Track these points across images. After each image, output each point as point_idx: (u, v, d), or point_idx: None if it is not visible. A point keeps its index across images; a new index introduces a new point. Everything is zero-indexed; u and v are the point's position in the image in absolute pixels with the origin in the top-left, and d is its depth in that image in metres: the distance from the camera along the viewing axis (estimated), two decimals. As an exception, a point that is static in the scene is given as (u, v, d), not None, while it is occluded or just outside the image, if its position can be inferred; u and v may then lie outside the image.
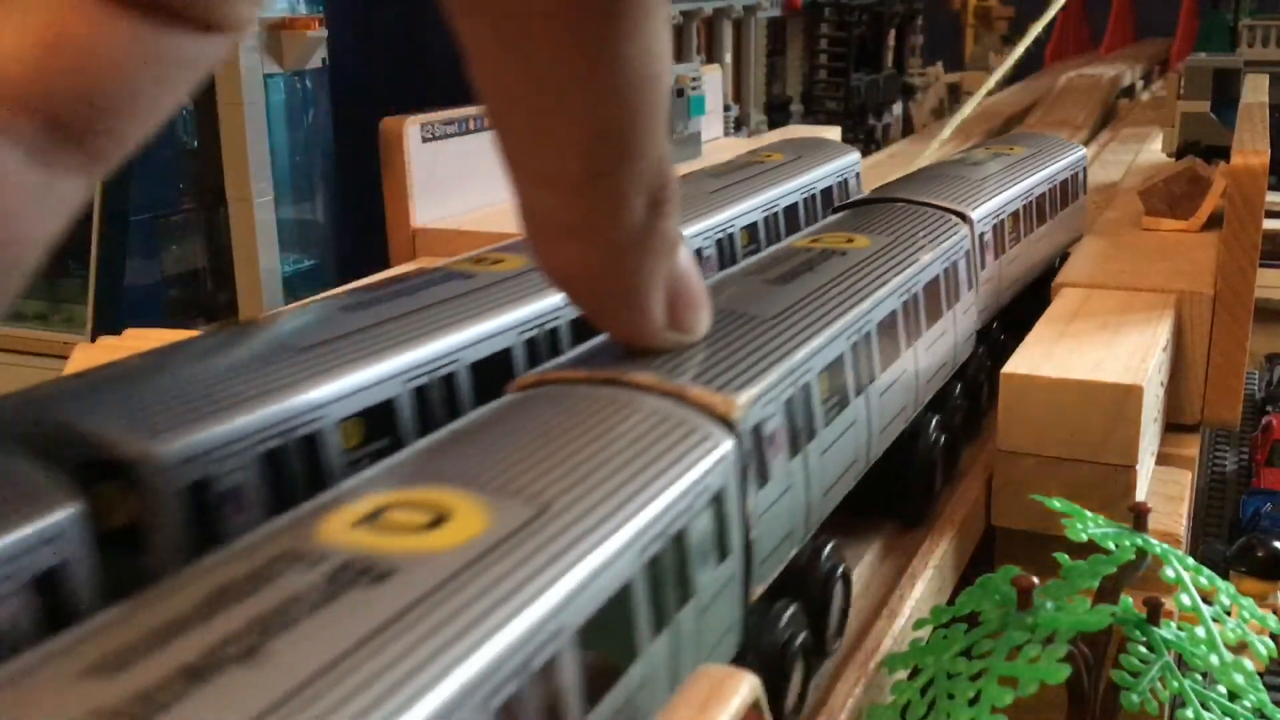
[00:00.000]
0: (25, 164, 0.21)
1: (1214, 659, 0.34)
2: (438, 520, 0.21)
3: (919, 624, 0.39)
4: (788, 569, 0.31)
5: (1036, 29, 1.30)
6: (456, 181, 0.81)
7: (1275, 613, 0.38)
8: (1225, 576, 0.39)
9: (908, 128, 1.91)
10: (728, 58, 1.63)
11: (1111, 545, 0.36)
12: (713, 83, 1.20)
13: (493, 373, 0.34)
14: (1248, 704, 0.34)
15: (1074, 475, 0.45)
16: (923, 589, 0.41)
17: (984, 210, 0.51)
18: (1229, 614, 0.36)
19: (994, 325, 0.55)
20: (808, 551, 0.33)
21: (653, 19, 0.25)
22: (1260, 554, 0.57)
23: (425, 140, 0.78)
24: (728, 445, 0.27)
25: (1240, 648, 0.35)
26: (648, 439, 0.26)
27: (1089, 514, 0.37)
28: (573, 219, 0.27)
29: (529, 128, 0.26)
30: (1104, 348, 0.49)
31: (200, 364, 0.29)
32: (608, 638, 0.22)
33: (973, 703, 0.32)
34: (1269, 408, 0.90)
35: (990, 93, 1.92)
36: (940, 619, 0.36)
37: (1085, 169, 0.70)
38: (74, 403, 0.26)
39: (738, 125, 1.64)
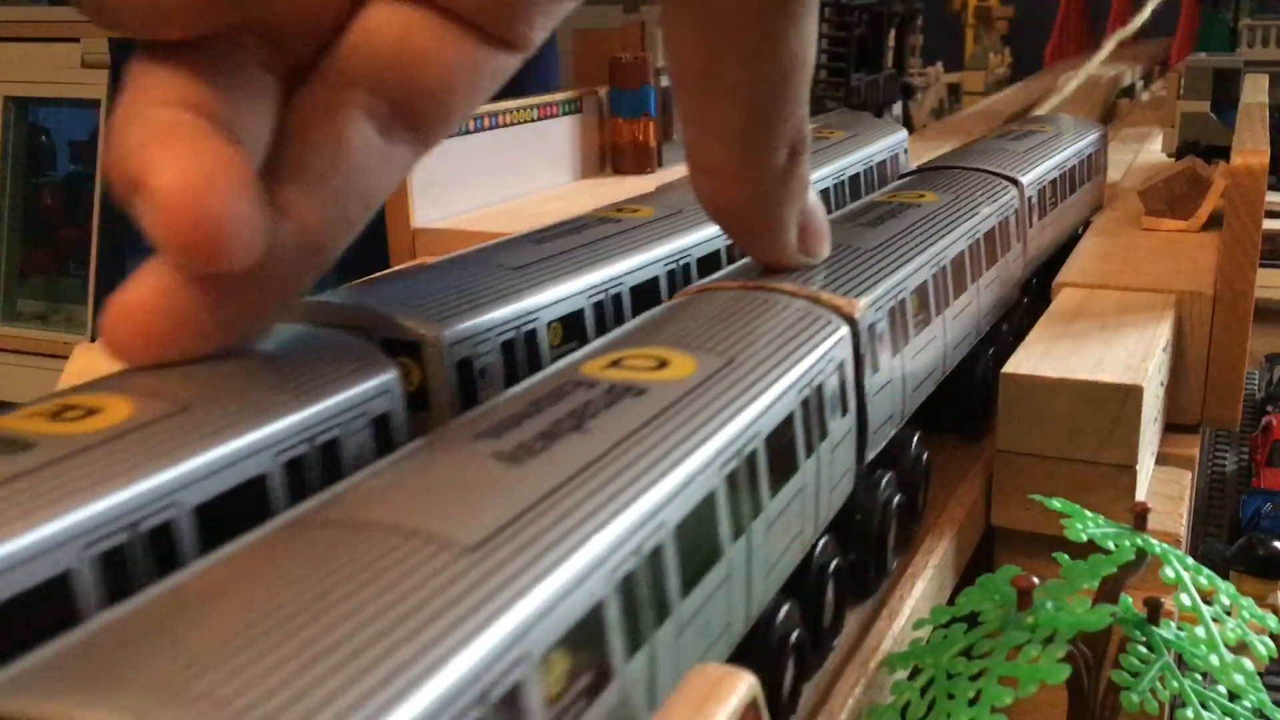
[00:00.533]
0: (378, 135, 0.30)
1: (1214, 659, 0.34)
2: (662, 364, 0.29)
3: (919, 624, 0.39)
4: (887, 449, 0.40)
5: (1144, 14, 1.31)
6: (456, 181, 0.81)
7: (1275, 613, 0.38)
8: (1225, 576, 0.39)
9: (908, 127, 1.91)
10: (728, 58, 1.63)
11: (1111, 545, 0.36)
12: (713, 83, 1.20)
13: (646, 295, 0.43)
14: (1248, 704, 0.34)
15: (1074, 475, 0.45)
16: (923, 589, 0.41)
17: (1031, 176, 0.59)
18: (1229, 614, 0.36)
19: (1033, 280, 0.62)
20: (900, 438, 0.42)
21: (812, 14, 0.32)
22: (1260, 554, 0.57)
23: (425, 140, 0.78)
24: (849, 331, 0.36)
25: (1240, 648, 0.35)
26: (794, 323, 0.34)
27: (1089, 514, 0.37)
28: (732, 163, 0.34)
29: (707, 91, 0.33)
30: (1104, 348, 0.49)
31: (451, 276, 0.38)
32: (781, 450, 0.30)
33: (973, 703, 0.32)
34: (1269, 408, 0.90)
35: (987, 93, 1.92)
36: (940, 619, 0.36)
37: (1106, 146, 0.77)
38: (376, 300, 0.35)
39: (738, 125, 1.64)
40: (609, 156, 1.02)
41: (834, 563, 0.36)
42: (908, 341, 0.41)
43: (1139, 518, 0.37)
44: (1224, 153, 0.73)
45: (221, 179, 0.25)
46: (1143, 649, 0.35)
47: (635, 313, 0.40)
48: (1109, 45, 1.34)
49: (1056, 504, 0.37)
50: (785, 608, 0.33)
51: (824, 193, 0.62)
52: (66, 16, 1.35)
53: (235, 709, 0.15)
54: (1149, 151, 1.02)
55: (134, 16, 0.26)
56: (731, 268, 0.41)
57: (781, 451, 0.30)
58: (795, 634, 0.33)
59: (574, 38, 1.09)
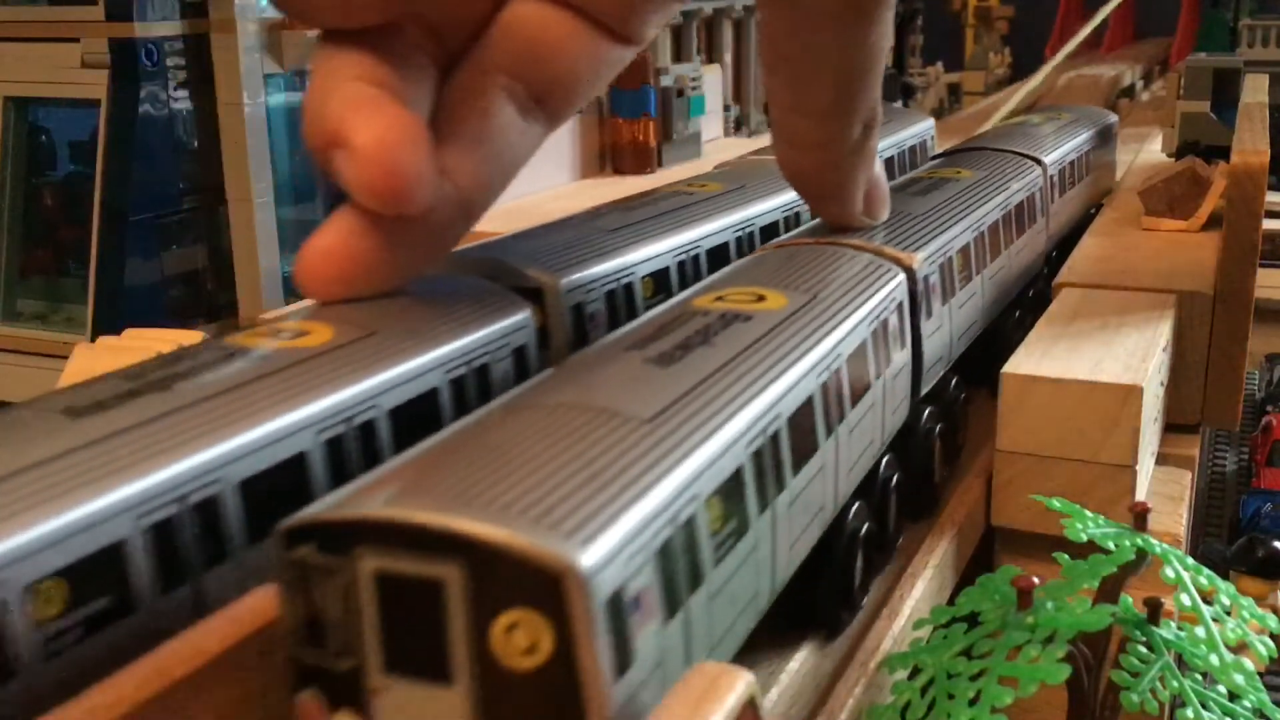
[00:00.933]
0: (516, 113, 0.36)
1: (1214, 659, 0.34)
2: (760, 298, 0.35)
3: (919, 624, 0.39)
4: (934, 390, 0.45)
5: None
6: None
7: (1275, 613, 0.38)
8: (1225, 576, 0.39)
9: (908, 128, 1.90)
10: (728, 58, 1.63)
11: (1111, 545, 0.36)
12: (713, 83, 1.20)
13: (718, 256, 0.48)
14: (1248, 704, 0.34)
15: (1074, 475, 0.45)
16: (923, 589, 0.41)
17: (1053, 157, 0.65)
18: (1229, 614, 0.36)
19: (1053, 253, 0.67)
20: (944, 380, 0.47)
21: (889, 13, 0.37)
22: (1260, 554, 0.57)
23: (425, 140, 0.78)
24: (907, 279, 0.41)
25: (1240, 648, 0.35)
26: (861, 270, 0.40)
27: (1089, 514, 0.37)
28: (815, 137, 0.40)
29: (798, 78, 0.39)
30: (1104, 348, 0.49)
31: (560, 236, 0.43)
32: (857, 370, 0.36)
33: (973, 703, 0.32)
34: (1269, 408, 0.90)
35: (986, 93, 1.92)
36: (940, 619, 0.36)
37: (1117, 132, 0.84)
38: (503, 254, 0.40)
39: (738, 125, 1.64)
40: (609, 156, 1.02)
41: (895, 477, 0.42)
42: (954, 294, 0.47)
43: (1139, 518, 0.37)
44: (1224, 153, 0.73)
45: (407, 140, 0.32)
46: (1143, 649, 0.35)
47: (710, 271, 0.46)
48: (1048, 66, 1.34)
49: (1056, 504, 0.37)
50: (857, 506, 0.38)
51: None
52: (66, 16, 1.35)
53: (514, 510, 0.21)
54: (1149, 151, 1.02)
55: (325, 9, 0.33)
56: (802, 228, 0.47)
57: (858, 371, 0.36)
58: (865, 527, 0.39)
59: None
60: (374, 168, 0.31)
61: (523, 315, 0.37)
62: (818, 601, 0.37)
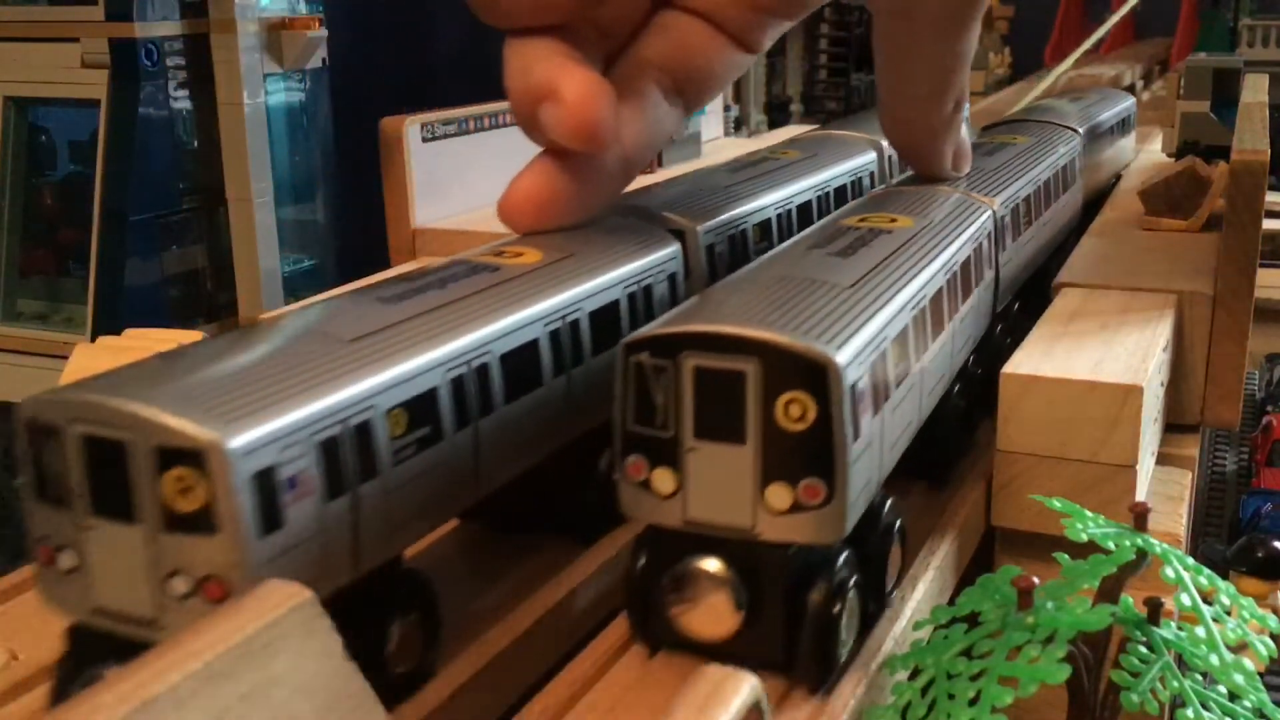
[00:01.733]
0: (663, 98, 0.45)
1: (1214, 659, 0.34)
2: (893, 220, 0.44)
3: (919, 624, 0.39)
4: (1004, 309, 0.55)
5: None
6: (456, 181, 0.81)
7: (1275, 613, 0.38)
8: (1225, 576, 0.39)
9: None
10: (728, 58, 1.63)
11: (1111, 545, 0.36)
12: (713, 83, 1.19)
13: (805, 212, 0.56)
14: (1248, 704, 0.34)
15: (1074, 475, 0.45)
16: (923, 589, 0.41)
17: (1086, 127, 0.74)
18: (1229, 614, 0.36)
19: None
20: (1010, 303, 0.58)
21: (979, 21, 0.47)
22: (1260, 554, 0.57)
23: (425, 140, 0.78)
24: (992, 214, 0.51)
25: (1240, 648, 0.35)
26: (957, 206, 0.49)
27: (1089, 514, 0.37)
28: (916, 114, 0.50)
29: (904, 71, 0.49)
30: (1104, 348, 0.49)
31: (686, 188, 0.52)
32: (965, 277, 0.45)
33: (973, 703, 0.32)
34: (1269, 408, 0.90)
35: (986, 93, 1.91)
36: (940, 619, 0.36)
37: (1134, 112, 0.94)
38: (650, 202, 0.48)
39: (738, 125, 1.64)
40: (609, 156, 1.01)
41: (980, 370, 0.51)
42: (1020, 234, 0.56)
43: (1139, 518, 0.37)
44: (1224, 153, 0.72)
45: (601, 93, 0.40)
46: (1143, 649, 0.35)
47: (800, 226, 0.54)
48: (1057, 70, 1.34)
49: (1056, 504, 0.37)
50: (958, 387, 0.47)
51: None
52: (66, 16, 1.35)
53: (788, 327, 0.31)
54: (1149, 151, 1.02)
55: (518, 12, 0.41)
56: (902, 176, 0.57)
57: (965, 278, 0.45)
58: (963, 405, 0.48)
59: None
60: (579, 112, 0.39)
61: (674, 249, 0.45)
62: (929, 456, 0.46)
